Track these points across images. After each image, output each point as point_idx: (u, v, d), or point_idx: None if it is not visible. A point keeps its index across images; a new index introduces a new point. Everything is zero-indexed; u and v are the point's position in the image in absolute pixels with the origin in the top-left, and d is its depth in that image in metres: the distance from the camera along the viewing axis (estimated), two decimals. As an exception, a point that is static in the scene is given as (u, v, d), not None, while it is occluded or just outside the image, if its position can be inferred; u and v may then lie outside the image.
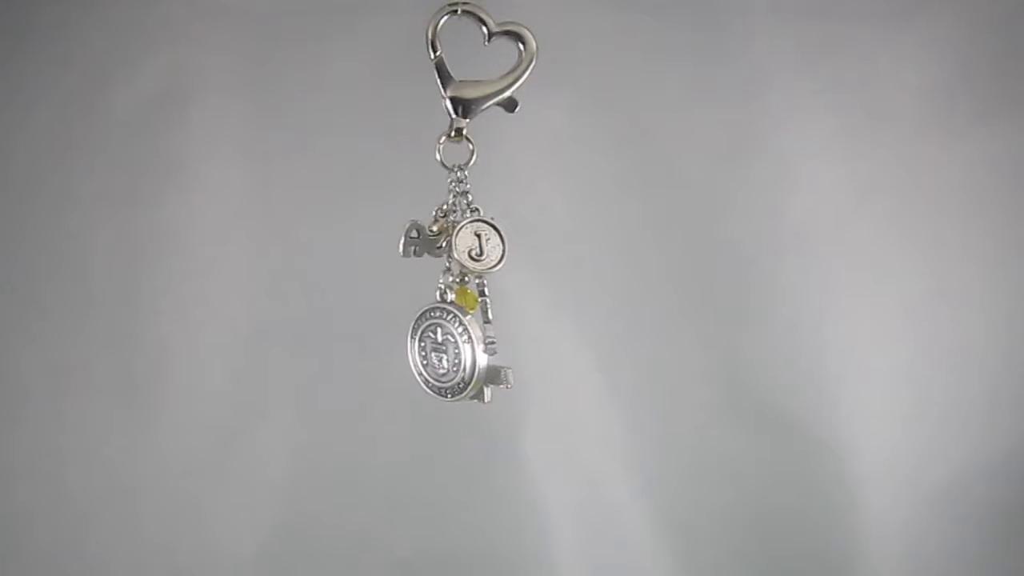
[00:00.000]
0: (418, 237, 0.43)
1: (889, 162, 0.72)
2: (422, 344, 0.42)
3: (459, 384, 0.42)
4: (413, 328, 0.43)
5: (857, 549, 0.74)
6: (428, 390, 0.43)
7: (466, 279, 0.43)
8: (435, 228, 0.43)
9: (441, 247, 0.43)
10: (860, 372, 0.73)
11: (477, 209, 0.43)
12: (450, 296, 0.42)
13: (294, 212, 0.73)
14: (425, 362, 0.43)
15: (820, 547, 0.74)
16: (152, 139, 0.71)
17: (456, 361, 0.41)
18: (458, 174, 0.43)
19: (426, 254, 0.43)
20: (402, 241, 0.42)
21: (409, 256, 0.43)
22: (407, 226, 0.42)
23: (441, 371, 0.42)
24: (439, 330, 0.42)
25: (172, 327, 0.72)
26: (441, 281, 0.43)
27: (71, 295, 0.71)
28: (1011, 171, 0.72)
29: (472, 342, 0.41)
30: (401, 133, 0.70)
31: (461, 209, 0.43)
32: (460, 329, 0.41)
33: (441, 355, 0.42)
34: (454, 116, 0.42)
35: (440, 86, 0.42)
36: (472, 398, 0.42)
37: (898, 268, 0.73)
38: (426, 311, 0.42)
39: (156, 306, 0.72)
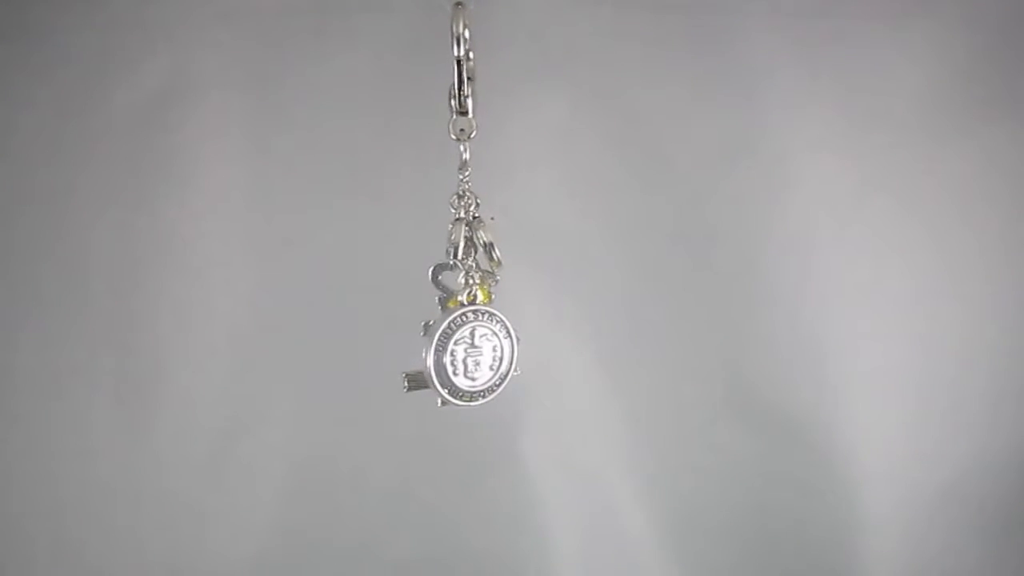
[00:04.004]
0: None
1: (889, 161, 0.72)
2: (453, 354, 0.42)
3: (495, 383, 0.42)
4: (443, 339, 0.42)
5: (858, 549, 0.74)
6: (455, 400, 0.42)
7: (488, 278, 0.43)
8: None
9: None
10: (861, 372, 0.73)
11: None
12: (478, 296, 0.42)
13: (294, 212, 0.73)
14: (456, 370, 0.42)
15: (821, 548, 0.74)
16: (152, 139, 0.71)
17: (498, 356, 0.42)
18: (466, 173, 0.43)
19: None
20: (460, 247, 0.42)
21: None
22: (461, 231, 0.42)
23: (477, 375, 0.42)
24: (476, 333, 0.42)
25: (171, 328, 0.72)
26: (470, 282, 0.42)
27: (69, 295, 0.71)
28: (1012, 170, 0.72)
29: (511, 337, 0.41)
30: (402, 133, 0.70)
31: (466, 208, 0.43)
32: (500, 326, 0.41)
33: (478, 358, 0.42)
34: (471, 114, 0.42)
35: (466, 83, 0.41)
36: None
37: (898, 267, 0.73)
38: (456, 317, 0.42)
39: (155, 306, 0.72)
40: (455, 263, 0.42)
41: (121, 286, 0.71)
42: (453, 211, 0.43)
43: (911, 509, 0.74)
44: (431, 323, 0.42)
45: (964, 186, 0.73)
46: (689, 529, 0.76)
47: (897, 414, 0.74)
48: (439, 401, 0.43)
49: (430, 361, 0.42)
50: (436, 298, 0.43)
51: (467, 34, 0.42)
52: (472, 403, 0.43)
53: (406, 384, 0.42)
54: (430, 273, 0.43)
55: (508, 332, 0.42)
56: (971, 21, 0.71)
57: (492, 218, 0.43)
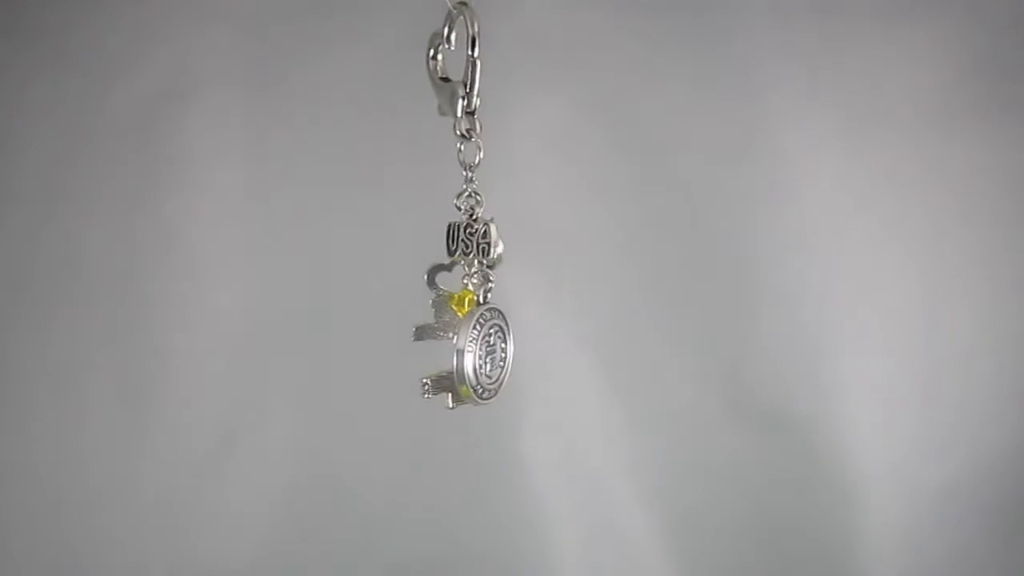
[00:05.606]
0: None
1: (890, 162, 0.72)
2: (478, 354, 0.42)
3: (502, 381, 0.42)
4: (471, 340, 0.41)
5: (859, 550, 0.73)
6: (480, 399, 0.42)
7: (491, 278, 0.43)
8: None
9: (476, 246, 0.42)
10: (862, 372, 0.73)
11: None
12: (489, 296, 0.42)
13: (294, 212, 0.73)
14: (480, 369, 0.42)
15: (821, 548, 0.74)
16: (152, 139, 0.71)
17: (503, 356, 0.42)
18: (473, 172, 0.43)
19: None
20: (501, 247, 0.42)
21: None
22: (496, 232, 0.42)
23: (492, 373, 0.42)
24: (491, 331, 0.42)
25: (171, 327, 0.72)
26: (482, 279, 0.42)
27: (70, 295, 0.71)
28: (1013, 169, 0.72)
29: (511, 333, 0.42)
30: (401, 133, 0.70)
31: (469, 208, 0.43)
32: (507, 326, 0.42)
33: (492, 356, 0.42)
34: (476, 115, 0.42)
35: (476, 84, 0.41)
36: None
37: (899, 267, 0.73)
38: (479, 317, 0.41)
39: (155, 306, 0.72)
40: (473, 263, 0.42)
41: (121, 286, 0.72)
42: (462, 211, 0.43)
43: (912, 510, 0.74)
44: (423, 325, 0.42)
45: (965, 185, 0.72)
46: (690, 529, 0.76)
47: (898, 414, 0.73)
48: (449, 402, 0.43)
49: (457, 362, 0.42)
50: (430, 300, 0.42)
51: (452, 36, 0.42)
52: (487, 401, 0.43)
53: (430, 390, 0.41)
54: (426, 275, 0.42)
55: (510, 328, 0.42)
56: (972, 21, 0.71)
57: (492, 218, 0.43)
